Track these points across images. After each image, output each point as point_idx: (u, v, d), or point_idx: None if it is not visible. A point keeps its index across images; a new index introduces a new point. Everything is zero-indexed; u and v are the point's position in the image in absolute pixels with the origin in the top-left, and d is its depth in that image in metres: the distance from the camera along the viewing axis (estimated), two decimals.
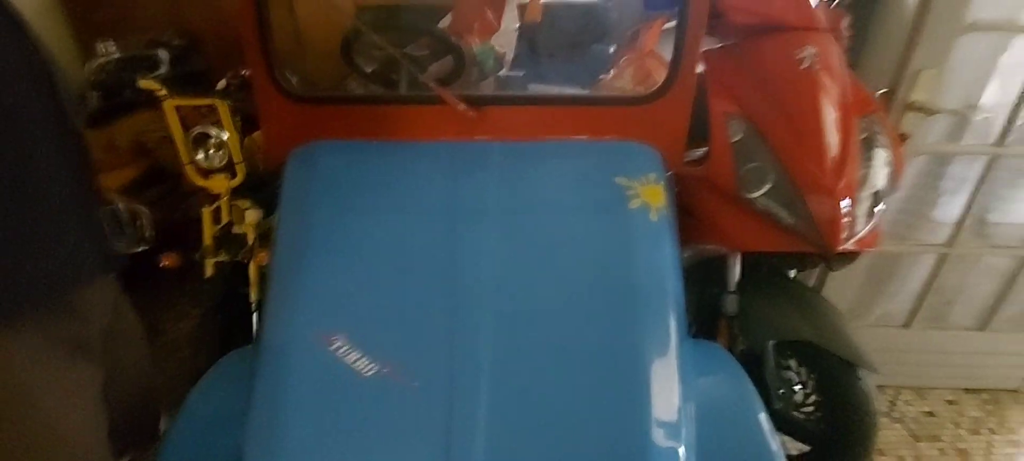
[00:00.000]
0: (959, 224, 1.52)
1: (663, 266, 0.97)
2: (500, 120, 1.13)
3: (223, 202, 1.55)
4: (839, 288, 1.69)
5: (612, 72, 1.29)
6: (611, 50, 1.51)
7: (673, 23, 1.22)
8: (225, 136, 1.45)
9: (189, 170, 1.50)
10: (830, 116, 1.14)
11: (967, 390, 1.90)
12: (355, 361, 0.81)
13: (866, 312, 1.86)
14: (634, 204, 1.04)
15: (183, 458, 0.85)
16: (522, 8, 1.44)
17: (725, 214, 1.20)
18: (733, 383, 0.97)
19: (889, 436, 1.75)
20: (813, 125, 1.13)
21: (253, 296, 1.55)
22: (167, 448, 0.87)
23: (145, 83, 1.40)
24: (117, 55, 1.47)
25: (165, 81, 1.45)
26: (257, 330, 0.95)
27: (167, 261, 1.55)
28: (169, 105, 1.42)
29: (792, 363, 1.36)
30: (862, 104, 1.21)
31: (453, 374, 0.82)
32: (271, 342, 0.89)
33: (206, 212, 1.54)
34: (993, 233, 1.70)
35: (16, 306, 0.64)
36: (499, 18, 1.45)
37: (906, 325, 1.79)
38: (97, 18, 2.18)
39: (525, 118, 1.15)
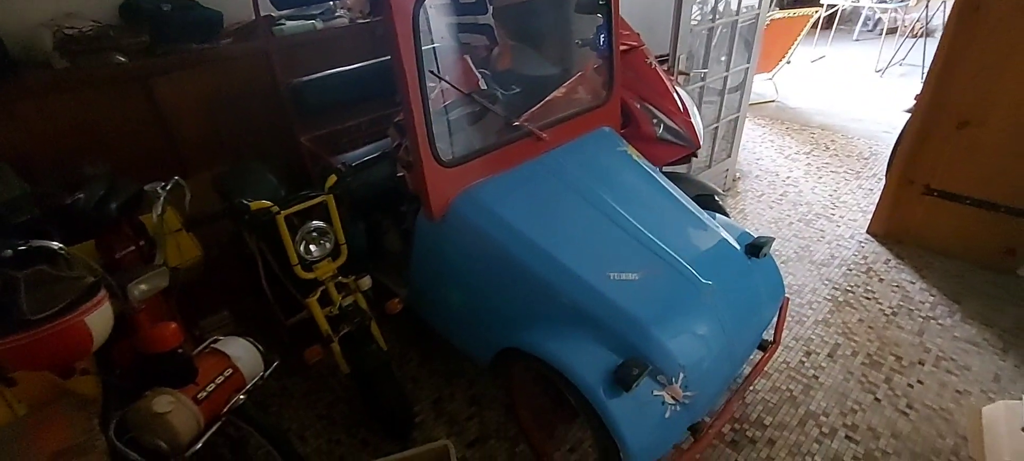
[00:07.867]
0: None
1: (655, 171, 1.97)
2: (550, 136, 1.85)
3: (330, 284, 1.71)
4: None
5: (565, 88, 2.15)
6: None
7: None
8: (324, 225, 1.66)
9: (297, 270, 1.63)
10: (669, 85, 2.30)
11: None
12: (627, 276, 1.50)
13: None
14: (633, 156, 1.98)
15: None
16: (495, 59, 2.13)
17: (648, 149, 2.24)
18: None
19: None
20: (666, 92, 2.28)
21: (384, 346, 1.80)
22: None
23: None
24: None
25: None
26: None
27: (312, 357, 1.64)
28: (280, 218, 1.54)
29: None
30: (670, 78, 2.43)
31: (653, 250, 1.60)
32: (583, 282, 1.47)
33: (312, 303, 1.68)
34: None
35: None
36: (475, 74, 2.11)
37: None
38: None
39: (560, 131, 1.91)
